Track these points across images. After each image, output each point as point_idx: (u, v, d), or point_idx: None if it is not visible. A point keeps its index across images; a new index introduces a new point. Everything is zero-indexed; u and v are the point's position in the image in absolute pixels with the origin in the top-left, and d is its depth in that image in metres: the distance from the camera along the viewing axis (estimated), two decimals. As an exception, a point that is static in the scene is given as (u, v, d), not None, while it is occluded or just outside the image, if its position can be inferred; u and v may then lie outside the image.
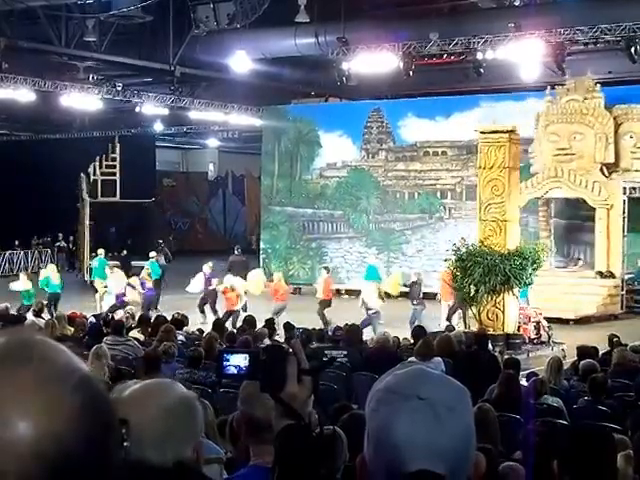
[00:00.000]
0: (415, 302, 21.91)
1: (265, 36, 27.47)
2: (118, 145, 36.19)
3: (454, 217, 29.84)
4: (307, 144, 32.55)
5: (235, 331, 16.25)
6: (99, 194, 35.33)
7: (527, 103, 28.81)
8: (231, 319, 21.77)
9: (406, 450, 1.55)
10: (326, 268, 25.10)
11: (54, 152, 38.89)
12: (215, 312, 23.17)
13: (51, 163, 38.75)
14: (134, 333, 15.25)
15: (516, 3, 27.69)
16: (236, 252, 27.63)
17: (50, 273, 24.58)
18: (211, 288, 23.70)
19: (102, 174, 35.56)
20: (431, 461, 1.54)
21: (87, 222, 34.68)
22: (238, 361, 2.31)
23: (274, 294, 23.25)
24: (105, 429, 1.19)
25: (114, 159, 35.85)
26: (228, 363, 2.32)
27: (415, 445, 1.55)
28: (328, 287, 23.32)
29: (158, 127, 39.90)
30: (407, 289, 23.05)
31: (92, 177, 35.23)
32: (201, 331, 17.16)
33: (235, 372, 2.32)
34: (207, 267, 24.50)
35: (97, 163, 35.43)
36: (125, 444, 1.27)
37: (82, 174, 34.82)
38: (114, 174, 35.77)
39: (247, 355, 2.31)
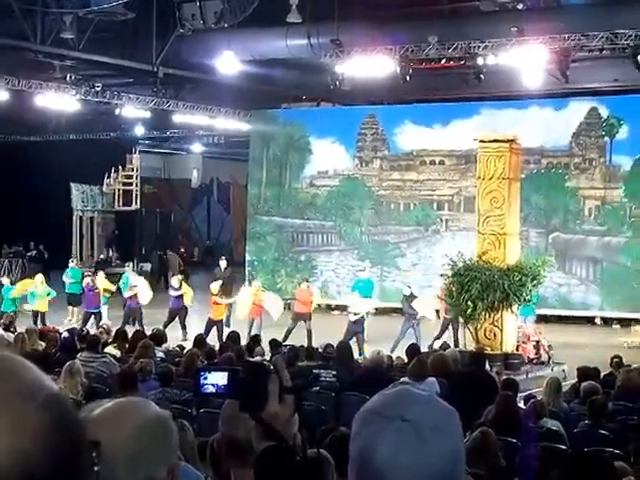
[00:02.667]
0: (410, 317, 21.89)
1: (254, 36, 27.49)
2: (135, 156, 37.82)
3: (451, 230, 29.89)
4: (297, 151, 32.52)
5: (218, 348, 16.23)
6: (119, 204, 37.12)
7: (529, 111, 28.93)
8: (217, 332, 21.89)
9: (389, 473, 1.56)
10: (305, 279, 25.15)
11: (27, 155, 38.79)
12: (184, 327, 23.24)
13: (24, 166, 38.64)
14: (110, 349, 15.21)
15: (519, 7, 27.74)
16: (222, 266, 27.11)
17: (36, 286, 24.71)
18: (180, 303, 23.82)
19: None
20: (415, 485, 1.55)
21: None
22: (217, 379, 2.31)
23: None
24: (73, 449, 1.19)
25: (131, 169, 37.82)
26: (206, 381, 2.32)
27: (398, 468, 1.55)
28: (301, 300, 23.37)
29: (139, 131, 39.84)
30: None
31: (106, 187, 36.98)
32: (182, 347, 17.15)
33: (213, 391, 2.32)
34: (175, 280, 24.59)
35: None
36: (96, 468, 1.27)
37: (72, 183, 35.32)
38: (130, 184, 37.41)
39: (226, 373, 2.31)
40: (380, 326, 23.31)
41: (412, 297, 22.48)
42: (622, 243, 27.78)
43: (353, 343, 19.33)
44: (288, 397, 2.24)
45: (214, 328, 22.36)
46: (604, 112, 28.40)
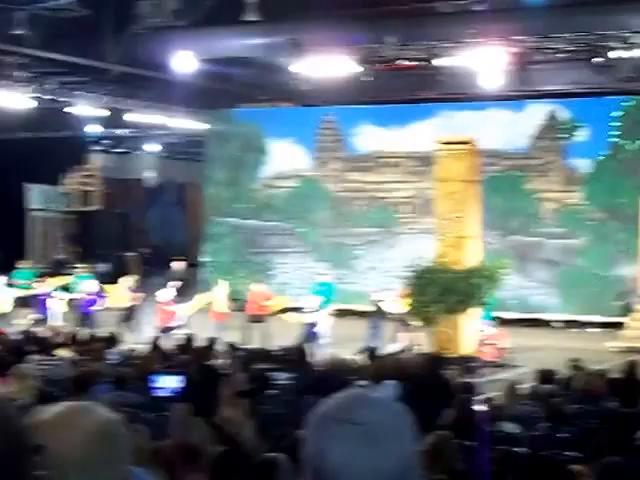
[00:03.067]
0: (377, 321, 21.86)
1: (211, 35, 27.39)
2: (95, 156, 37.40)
3: (411, 232, 29.89)
4: (254, 151, 32.44)
5: (174, 351, 16.13)
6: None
7: (488, 113, 29.09)
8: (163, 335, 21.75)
9: (342, 477, 1.54)
10: (257, 281, 25.12)
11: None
12: (135, 330, 23.13)
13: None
14: (63, 351, 15.07)
15: (477, 8, 27.88)
16: (176, 269, 26.97)
17: None
18: (133, 304, 23.67)
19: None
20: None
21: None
22: (169, 383, 2.28)
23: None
24: (13, 453, 1.16)
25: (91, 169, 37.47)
26: (158, 385, 2.29)
27: (351, 472, 1.54)
28: (252, 302, 23.35)
29: (94, 129, 39.51)
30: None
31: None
32: (136, 350, 17.04)
33: (166, 394, 2.29)
34: (130, 281, 24.46)
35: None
36: (42, 472, 1.24)
37: (26, 183, 35.02)
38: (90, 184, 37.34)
39: (179, 376, 2.28)
40: (339, 329, 23.31)
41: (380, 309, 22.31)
42: (580, 246, 27.98)
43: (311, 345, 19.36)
44: (242, 401, 2.21)
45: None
46: (563, 115, 28.62)
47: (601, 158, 27.85)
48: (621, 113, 27.60)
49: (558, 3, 26.79)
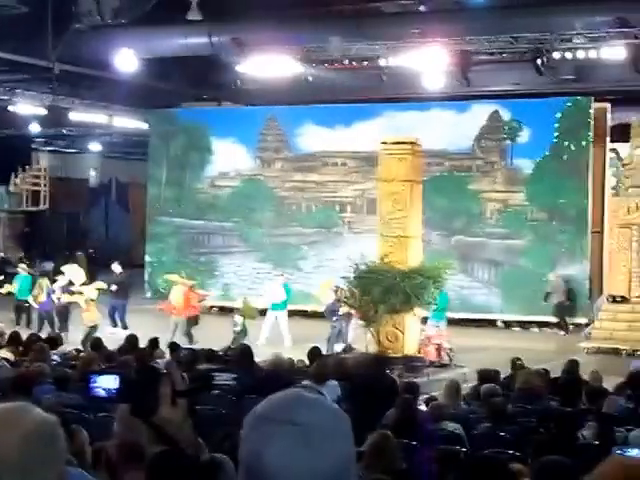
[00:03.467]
0: (334, 319, 21.74)
1: (153, 34, 27.26)
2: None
3: (355, 232, 29.96)
4: (198, 151, 32.31)
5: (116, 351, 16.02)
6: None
7: (432, 113, 29.23)
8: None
9: (278, 477, 1.55)
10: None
11: None
12: (65, 329, 22.89)
13: None
14: (3, 352, 14.90)
15: (421, 9, 28.04)
16: (116, 270, 26.54)
17: None
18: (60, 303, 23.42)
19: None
20: (304, 488, 1.55)
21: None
22: (107, 383, 2.27)
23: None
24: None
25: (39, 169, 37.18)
26: (96, 385, 2.28)
27: (288, 472, 1.55)
28: (186, 302, 23.24)
29: (35, 128, 39.11)
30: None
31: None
32: (78, 351, 16.93)
33: (104, 394, 2.28)
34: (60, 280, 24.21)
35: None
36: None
37: None
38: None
39: (117, 376, 2.27)
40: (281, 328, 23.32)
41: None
42: (523, 246, 28.20)
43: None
44: (181, 401, 2.21)
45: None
46: (506, 115, 28.82)
47: (543, 159, 28.08)
48: (562, 114, 27.87)
49: (500, 4, 27.05)
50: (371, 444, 7.24)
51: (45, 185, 40.12)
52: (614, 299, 23.96)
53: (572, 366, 13.65)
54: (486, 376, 12.76)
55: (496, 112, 28.93)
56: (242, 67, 28.27)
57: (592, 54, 26.13)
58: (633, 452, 6.98)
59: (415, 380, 14.16)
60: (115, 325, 24.32)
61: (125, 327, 23.75)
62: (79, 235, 47.52)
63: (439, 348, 20.05)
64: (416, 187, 20.28)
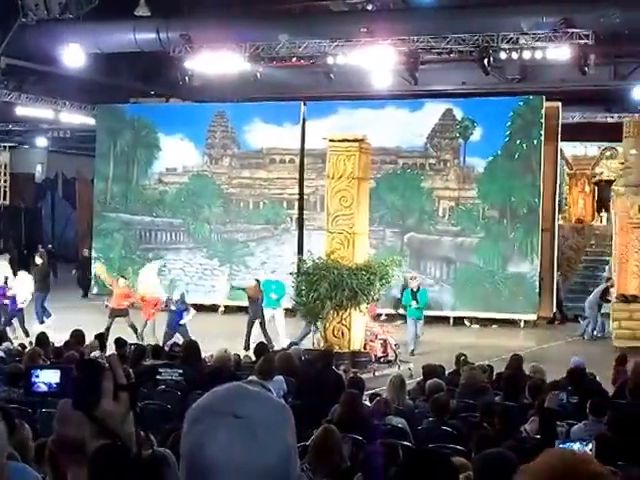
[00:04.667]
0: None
1: (101, 29, 27.03)
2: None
3: (307, 229, 29.77)
4: (145, 147, 32.09)
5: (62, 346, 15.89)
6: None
7: (385, 112, 29.28)
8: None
9: (220, 470, 1.54)
10: (122, 276, 24.81)
11: None
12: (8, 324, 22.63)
13: None
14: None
15: (369, 8, 28.13)
16: (38, 261, 26.29)
17: None
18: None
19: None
20: (246, 480, 1.55)
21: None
22: (49, 377, 2.25)
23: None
24: None
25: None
26: (38, 380, 2.26)
27: (229, 465, 1.54)
28: (120, 297, 23.06)
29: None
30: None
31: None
32: (23, 346, 16.78)
33: (45, 389, 2.26)
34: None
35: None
36: None
37: None
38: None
39: (58, 371, 2.25)
40: (230, 324, 23.29)
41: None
42: (475, 244, 28.37)
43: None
44: (123, 395, 2.20)
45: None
46: (458, 114, 28.95)
47: (495, 157, 28.24)
48: (514, 113, 28.06)
49: (447, 4, 27.23)
50: (316, 439, 7.25)
51: (5, 181, 39.63)
52: (626, 299, 23.95)
53: (515, 361, 13.76)
54: (431, 372, 12.85)
55: (449, 111, 29.05)
56: (190, 63, 28.14)
57: (538, 54, 26.35)
58: (575, 446, 7.07)
59: (361, 375, 14.20)
60: (41, 321, 23.85)
61: (41, 321, 23.48)
62: (37, 231, 47.16)
63: (385, 344, 20.10)
64: (363, 184, 20.30)
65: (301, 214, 30.11)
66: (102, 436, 2.15)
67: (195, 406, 1.65)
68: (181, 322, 21.17)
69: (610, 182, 32.87)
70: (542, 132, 27.62)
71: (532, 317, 27.36)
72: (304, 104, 30.32)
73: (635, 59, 29.35)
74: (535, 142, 27.74)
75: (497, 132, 28.08)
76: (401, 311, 24.22)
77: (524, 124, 27.95)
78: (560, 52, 26.08)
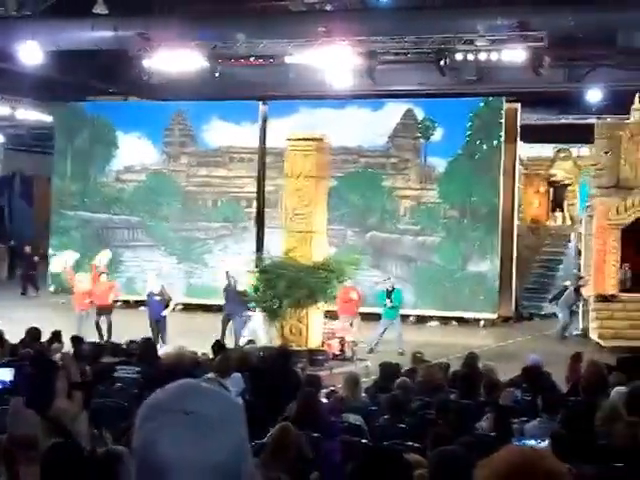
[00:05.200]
0: (245, 311, 21.54)
1: (59, 26, 26.78)
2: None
3: (269, 227, 29.68)
4: (103, 145, 31.88)
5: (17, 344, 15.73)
6: None
7: (347, 111, 29.28)
8: None
9: (171, 467, 1.53)
10: (104, 273, 24.67)
11: None
12: None
13: None
14: None
15: (327, 8, 28.17)
16: None
17: None
18: None
19: None
20: (198, 478, 1.53)
21: None
22: (2, 375, 2.22)
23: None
24: None
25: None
26: (-9, 377, 2.23)
27: (181, 461, 1.53)
28: (102, 294, 22.89)
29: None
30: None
31: None
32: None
33: (-1, 386, 2.23)
34: None
35: None
36: None
37: None
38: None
39: (11, 369, 2.22)
40: (187, 322, 23.21)
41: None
42: (436, 243, 28.44)
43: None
44: (77, 393, 2.17)
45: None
46: (419, 114, 29.00)
47: (456, 157, 28.33)
48: (475, 114, 28.17)
49: (404, 5, 27.33)
50: (272, 436, 7.25)
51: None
52: (605, 298, 24.09)
53: (471, 359, 13.81)
54: (387, 369, 12.86)
55: (410, 111, 29.10)
56: (149, 62, 27.99)
57: (494, 56, 26.50)
58: (530, 442, 7.12)
59: (318, 373, 14.20)
60: None
61: None
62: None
63: (342, 342, 20.13)
64: (322, 183, 20.33)
65: (259, 212, 30.07)
66: (55, 434, 2.12)
67: (146, 404, 1.64)
68: (162, 313, 21.14)
69: (565, 184, 33.17)
70: (502, 133, 27.77)
71: (492, 316, 27.52)
72: (264, 103, 30.29)
73: (589, 62, 29.60)
74: (495, 143, 27.88)
75: (458, 132, 28.18)
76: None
77: (484, 125, 28.08)
78: (515, 54, 26.23)
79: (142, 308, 27.58)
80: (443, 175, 28.57)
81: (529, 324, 27.85)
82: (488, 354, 18.89)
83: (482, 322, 27.48)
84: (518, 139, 28.55)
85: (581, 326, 25.68)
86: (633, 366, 13.41)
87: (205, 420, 1.57)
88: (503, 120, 27.83)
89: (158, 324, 21.05)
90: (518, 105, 28.37)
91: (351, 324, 22.32)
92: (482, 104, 28.26)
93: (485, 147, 28.05)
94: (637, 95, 24.89)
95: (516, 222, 28.99)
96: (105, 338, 20.73)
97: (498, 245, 27.79)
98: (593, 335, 23.71)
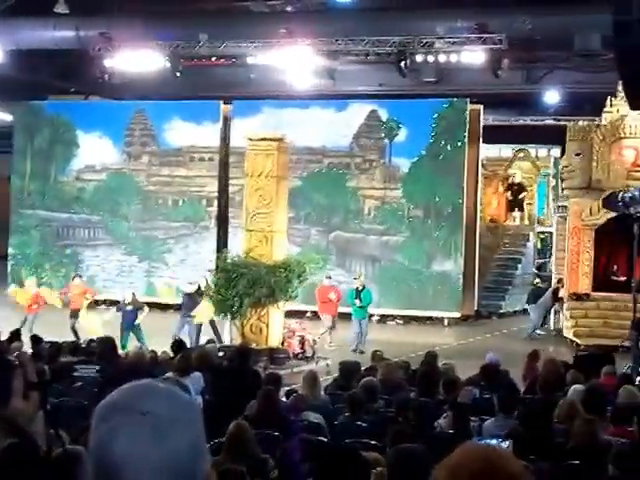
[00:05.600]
0: (189, 313, 21.46)
1: (20, 26, 26.57)
2: None
3: (232, 226, 29.56)
4: (64, 144, 31.63)
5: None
6: None
7: (311, 111, 29.21)
8: None
9: (127, 467, 1.51)
10: (78, 275, 24.53)
11: None
12: None
13: None
14: None
15: (288, 9, 28.15)
16: None
17: None
18: None
19: None
20: (154, 477, 1.52)
21: None
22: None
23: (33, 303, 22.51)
24: None
25: None
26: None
27: (137, 461, 1.51)
28: (79, 296, 22.76)
29: None
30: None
31: None
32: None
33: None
34: None
35: None
36: None
37: None
38: None
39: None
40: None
41: (196, 295, 21.87)
42: (400, 242, 28.47)
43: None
44: (33, 393, 2.13)
45: None
46: (383, 115, 29.01)
47: (420, 158, 28.36)
48: (439, 115, 28.23)
49: (365, 7, 27.36)
50: (228, 434, 7.23)
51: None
52: (579, 297, 24.23)
53: (430, 358, 13.86)
54: (347, 368, 12.86)
55: (374, 112, 29.09)
56: (110, 61, 27.85)
57: (453, 58, 26.64)
58: (492, 442, 7.13)
59: (278, 372, 14.17)
60: None
61: None
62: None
63: (303, 341, 20.13)
64: (282, 183, 20.31)
65: (220, 212, 29.98)
66: (10, 435, 2.08)
67: (102, 404, 1.62)
68: (136, 322, 20.99)
69: (524, 184, 33.36)
70: (466, 134, 27.86)
71: (456, 314, 27.64)
72: (226, 103, 30.18)
73: (547, 64, 29.82)
74: (459, 143, 27.95)
75: (422, 133, 28.22)
76: None
77: (449, 126, 28.14)
78: (474, 56, 26.41)
79: (102, 307, 27.47)
80: (407, 175, 28.62)
81: (489, 322, 28.00)
82: (449, 352, 18.95)
83: (446, 321, 27.58)
84: (480, 140, 28.65)
85: (552, 326, 25.98)
86: (590, 364, 13.54)
87: (161, 420, 1.56)
88: (467, 121, 27.93)
89: (133, 331, 20.89)
90: (481, 107, 28.48)
91: (333, 324, 22.43)
92: (446, 105, 28.33)
93: (449, 148, 28.13)
94: (608, 98, 25.08)
95: (479, 222, 29.12)
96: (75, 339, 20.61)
97: (462, 244, 27.90)
98: (568, 334, 23.89)
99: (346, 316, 23.35)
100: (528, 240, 32.46)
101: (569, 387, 10.96)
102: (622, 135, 24.09)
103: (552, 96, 32.98)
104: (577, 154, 24.61)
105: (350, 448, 5.24)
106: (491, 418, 9.42)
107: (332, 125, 28.96)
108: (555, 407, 9.56)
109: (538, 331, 25.52)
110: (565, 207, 25.84)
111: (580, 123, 25.93)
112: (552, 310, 26.16)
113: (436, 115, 28.21)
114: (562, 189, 25.49)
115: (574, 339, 23.39)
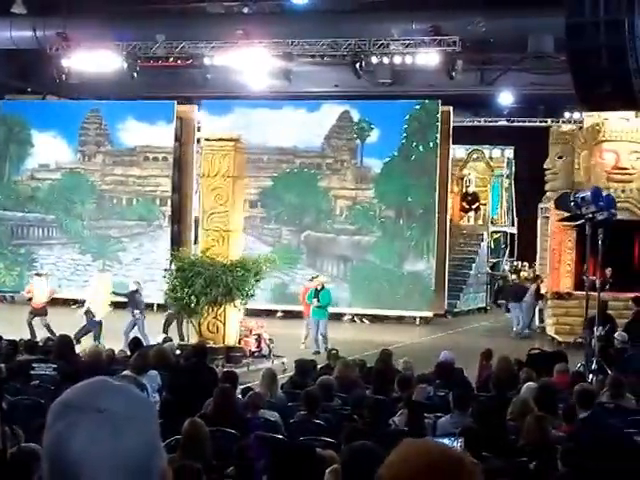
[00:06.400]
0: (136, 312, 21.41)
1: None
2: None
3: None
4: (18, 143, 31.29)
5: None
6: None
7: (283, 112, 29.14)
8: None
9: (84, 466, 1.49)
10: (42, 274, 24.29)
11: None
12: None
13: None
14: None
15: (245, 11, 28.11)
16: None
17: None
18: None
19: None
20: (111, 475, 1.50)
21: None
22: None
23: None
24: None
25: None
26: None
27: (93, 460, 1.50)
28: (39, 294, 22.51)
29: None
30: (125, 298, 22.54)
31: None
32: None
33: None
34: None
35: None
36: None
37: None
38: None
39: None
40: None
41: (139, 293, 21.85)
42: (371, 242, 28.48)
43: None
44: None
45: None
46: (355, 116, 29.02)
47: (392, 159, 28.41)
48: (411, 116, 28.26)
49: (321, 9, 27.42)
50: (184, 432, 7.19)
51: None
52: (561, 296, 24.36)
53: (385, 356, 13.87)
54: (303, 366, 12.86)
55: (346, 112, 29.09)
56: (67, 62, 27.64)
57: (408, 59, 26.76)
58: (445, 441, 7.15)
59: (235, 370, 14.12)
60: None
61: None
62: None
63: (259, 339, 20.10)
64: (238, 183, 20.29)
65: (174, 211, 29.81)
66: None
67: (58, 401, 1.59)
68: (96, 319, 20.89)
69: (478, 185, 33.61)
70: (438, 135, 27.93)
71: (428, 314, 27.71)
72: (193, 103, 30.09)
73: (500, 66, 30.03)
74: (431, 144, 28.03)
75: (393, 134, 28.28)
76: None
77: (420, 127, 28.21)
78: (429, 58, 26.55)
79: (56, 306, 27.15)
80: (379, 176, 28.66)
81: (449, 321, 28.20)
82: (405, 351, 18.96)
83: (417, 320, 27.64)
84: (450, 141, 28.73)
85: (537, 323, 26.24)
86: (542, 362, 13.64)
87: (116, 418, 1.54)
88: (440, 122, 27.99)
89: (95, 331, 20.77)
90: (450, 108, 28.51)
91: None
92: (418, 107, 28.38)
93: (421, 149, 28.21)
94: None
95: (448, 222, 29.22)
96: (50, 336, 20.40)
97: (434, 244, 27.96)
98: (550, 331, 24.15)
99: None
100: (482, 240, 32.67)
101: (522, 385, 11.02)
102: (603, 139, 24.29)
103: (506, 97, 33.25)
104: (559, 157, 24.85)
105: (306, 445, 5.23)
106: (446, 415, 9.45)
107: (304, 125, 28.91)
108: (508, 405, 9.62)
109: (525, 330, 25.75)
110: (548, 208, 26.07)
111: (563, 127, 26.17)
112: (537, 308, 26.40)
113: (408, 116, 28.27)
114: (545, 191, 25.65)
115: (555, 336, 23.67)
